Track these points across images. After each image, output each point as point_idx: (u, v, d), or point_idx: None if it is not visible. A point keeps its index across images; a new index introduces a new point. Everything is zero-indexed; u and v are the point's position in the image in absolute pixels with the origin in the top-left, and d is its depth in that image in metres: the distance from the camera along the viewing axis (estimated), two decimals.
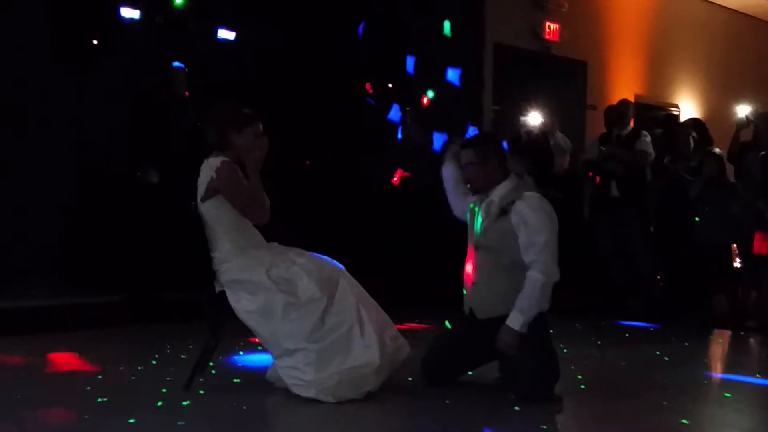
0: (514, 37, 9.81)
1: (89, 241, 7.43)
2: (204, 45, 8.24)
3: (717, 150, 8.16)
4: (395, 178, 8.56)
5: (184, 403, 4.35)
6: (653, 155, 8.01)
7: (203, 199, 4.55)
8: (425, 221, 7.99)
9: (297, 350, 4.39)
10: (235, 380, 4.86)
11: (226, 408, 4.29)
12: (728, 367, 6.49)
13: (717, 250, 7.87)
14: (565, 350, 5.67)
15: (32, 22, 7.74)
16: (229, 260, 4.52)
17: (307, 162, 8.69)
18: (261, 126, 4.64)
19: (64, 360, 5.44)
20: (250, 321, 4.47)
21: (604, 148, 8.08)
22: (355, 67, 8.74)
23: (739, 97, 9.07)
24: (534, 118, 8.21)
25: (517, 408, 4.40)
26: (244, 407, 4.31)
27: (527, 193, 4.61)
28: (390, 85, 9.02)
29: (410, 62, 8.58)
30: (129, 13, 7.76)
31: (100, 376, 4.92)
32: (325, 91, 8.53)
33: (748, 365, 6.48)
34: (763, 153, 7.60)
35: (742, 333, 7.44)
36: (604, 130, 8.42)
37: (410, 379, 4.82)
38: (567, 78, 10.44)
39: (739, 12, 12.88)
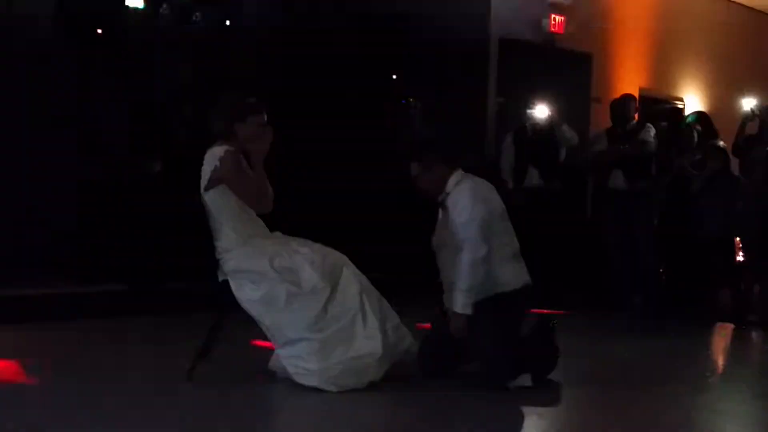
0: (519, 30, 9.78)
1: (91, 232, 7.40)
2: (209, 34, 8.21)
3: (722, 143, 8.14)
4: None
5: (187, 392, 4.35)
6: (654, 144, 7.91)
7: (207, 189, 4.54)
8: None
9: (300, 339, 4.39)
10: (237, 370, 4.86)
11: (229, 397, 4.30)
12: (730, 362, 6.49)
13: (720, 244, 7.86)
14: (566, 344, 5.67)
15: (36, 12, 7.71)
16: (232, 249, 4.52)
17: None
18: (265, 116, 4.64)
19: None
20: (253, 310, 4.48)
21: (606, 148, 8.02)
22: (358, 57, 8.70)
23: (745, 91, 9.05)
24: (539, 111, 8.18)
25: (516, 398, 4.42)
26: (247, 397, 4.32)
27: (462, 183, 4.69)
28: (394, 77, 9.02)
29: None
30: (134, 2, 7.76)
31: (99, 366, 4.92)
32: (334, 81, 8.48)
33: (750, 359, 6.49)
34: None
35: (744, 327, 7.44)
36: (608, 123, 8.38)
37: (412, 368, 4.83)
38: (572, 70, 10.40)
39: (745, 5, 12.83)
